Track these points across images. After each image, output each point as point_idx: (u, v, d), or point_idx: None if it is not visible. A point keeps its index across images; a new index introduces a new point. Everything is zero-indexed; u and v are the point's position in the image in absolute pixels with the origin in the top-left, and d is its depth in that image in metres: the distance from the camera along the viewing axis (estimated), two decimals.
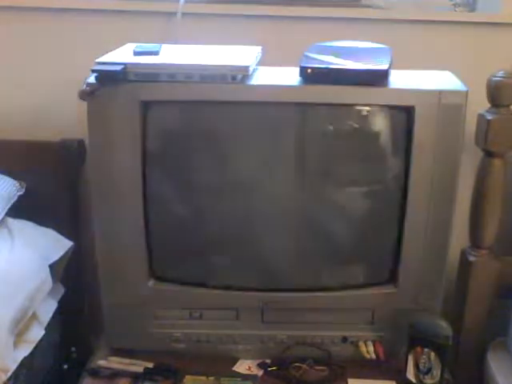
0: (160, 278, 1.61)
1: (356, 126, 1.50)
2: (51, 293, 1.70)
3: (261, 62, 1.58)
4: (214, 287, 1.61)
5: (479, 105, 1.67)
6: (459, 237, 1.74)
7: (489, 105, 1.70)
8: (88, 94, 1.42)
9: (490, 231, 1.77)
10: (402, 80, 1.50)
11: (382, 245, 1.59)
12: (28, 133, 1.88)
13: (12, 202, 1.76)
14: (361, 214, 1.57)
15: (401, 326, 1.58)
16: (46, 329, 1.64)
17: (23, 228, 1.76)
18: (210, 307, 1.63)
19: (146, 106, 1.47)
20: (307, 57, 1.50)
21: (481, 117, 1.71)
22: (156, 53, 1.52)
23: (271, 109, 1.48)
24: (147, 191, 1.52)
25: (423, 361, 1.53)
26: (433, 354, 1.52)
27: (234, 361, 1.65)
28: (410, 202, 1.51)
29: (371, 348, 1.63)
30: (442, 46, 1.85)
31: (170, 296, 1.62)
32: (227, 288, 1.60)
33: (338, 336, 1.64)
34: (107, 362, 1.63)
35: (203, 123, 1.51)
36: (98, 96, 1.43)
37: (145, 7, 1.84)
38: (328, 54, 1.51)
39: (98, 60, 1.45)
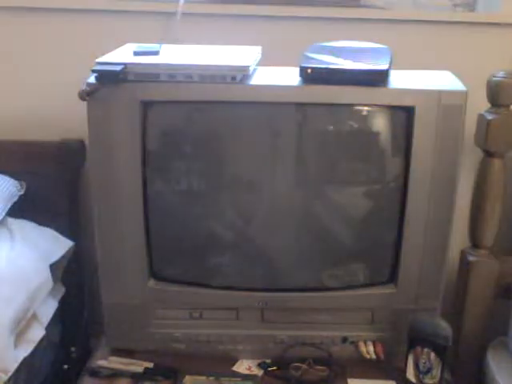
0: (160, 278, 1.61)
1: (356, 126, 1.50)
2: (51, 293, 1.70)
3: (261, 62, 1.58)
4: (214, 287, 1.61)
5: (479, 105, 1.67)
6: (459, 237, 1.74)
7: (489, 105, 1.70)
8: (88, 94, 1.42)
9: (490, 231, 1.77)
10: (402, 80, 1.50)
11: (382, 245, 1.59)
12: (28, 133, 1.88)
13: (12, 201, 1.76)
14: (361, 214, 1.57)
15: (401, 326, 1.58)
16: (46, 329, 1.64)
17: (23, 228, 1.76)
18: (210, 307, 1.63)
19: (146, 105, 1.47)
20: (307, 57, 1.50)
21: (481, 117, 1.71)
22: (156, 53, 1.52)
23: (271, 109, 1.48)
24: (147, 191, 1.53)
25: (423, 361, 1.53)
26: (433, 354, 1.52)
27: (234, 361, 1.65)
28: (410, 202, 1.51)
29: (371, 348, 1.63)
30: (442, 46, 1.85)
31: (170, 296, 1.62)
32: (227, 288, 1.60)
33: (337, 336, 1.64)
34: (107, 361, 1.63)
35: (203, 123, 1.51)
36: (98, 96, 1.43)
37: (145, 7, 1.84)
38: (328, 54, 1.51)
39: (98, 60, 1.45)
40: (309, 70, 1.45)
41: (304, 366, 1.60)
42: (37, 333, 1.60)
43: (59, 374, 1.81)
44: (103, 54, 1.49)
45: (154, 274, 1.60)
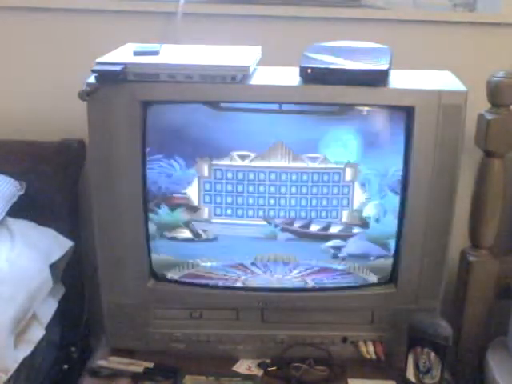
0: (160, 278, 1.61)
1: (356, 125, 1.50)
2: (51, 293, 1.70)
3: (261, 62, 1.58)
4: (214, 287, 1.61)
5: (479, 105, 1.67)
6: (459, 237, 1.74)
7: (489, 105, 1.70)
8: (88, 94, 1.42)
9: (490, 231, 1.77)
10: (401, 80, 1.50)
11: (381, 245, 1.59)
12: (28, 133, 1.88)
13: (12, 201, 1.76)
14: (360, 214, 1.57)
15: (401, 325, 1.58)
16: (46, 329, 1.64)
17: (23, 228, 1.75)
18: (210, 307, 1.63)
19: (146, 105, 1.47)
20: (307, 57, 1.50)
21: (481, 117, 1.71)
22: (156, 53, 1.51)
23: (271, 109, 1.48)
24: (147, 191, 1.52)
25: (423, 361, 1.53)
26: (433, 354, 1.52)
27: (234, 361, 1.65)
28: (410, 202, 1.51)
29: (371, 348, 1.64)
30: (442, 46, 1.85)
31: (169, 296, 1.62)
32: (227, 288, 1.60)
33: (337, 336, 1.64)
34: (107, 361, 1.63)
35: (203, 123, 1.51)
36: (97, 96, 1.43)
37: (145, 7, 1.84)
38: (328, 53, 1.51)
39: (98, 60, 1.45)
40: (309, 70, 1.45)
41: (304, 366, 1.60)
42: (37, 333, 1.60)
43: (59, 374, 1.81)
44: (103, 54, 1.49)
45: (154, 274, 1.60)
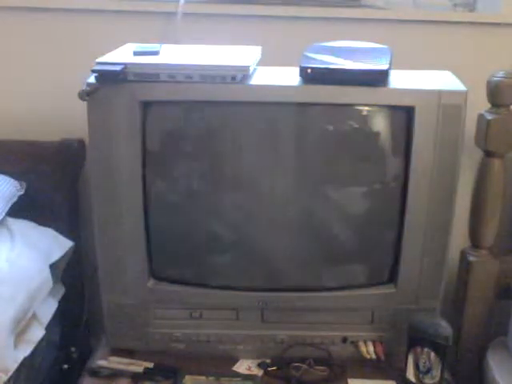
0: (160, 278, 1.61)
1: (356, 126, 1.50)
2: (51, 293, 1.70)
3: (261, 62, 1.58)
4: (214, 287, 1.61)
5: (479, 105, 1.67)
6: (459, 237, 1.74)
7: (489, 105, 1.70)
8: (88, 94, 1.42)
9: (490, 231, 1.77)
10: (401, 80, 1.50)
11: (381, 245, 1.59)
12: (28, 133, 1.88)
13: (12, 201, 1.76)
14: (361, 214, 1.57)
15: (401, 325, 1.58)
16: (46, 329, 1.64)
17: (23, 228, 1.75)
18: (210, 307, 1.63)
19: (146, 106, 1.47)
20: (307, 57, 1.50)
21: (481, 117, 1.71)
22: (156, 53, 1.52)
23: (271, 109, 1.48)
24: (147, 191, 1.53)
25: (423, 361, 1.53)
26: (433, 354, 1.52)
27: (234, 361, 1.65)
28: (410, 202, 1.51)
29: (371, 348, 1.63)
30: (442, 46, 1.85)
31: (169, 296, 1.62)
32: (227, 288, 1.60)
33: (337, 336, 1.64)
34: (107, 361, 1.63)
35: (203, 123, 1.51)
36: (97, 96, 1.43)
37: (145, 7, 1.84)
38: (328, 53, 1.51)
39: (98, 60, 1.45)
40: (309, 70, 1.45)
41: (304, 366, 1.60)
42: (37, 333, 1.60)
43: (59, 374, 1.81)
44: (103, 54, 1.49)
45: (154, 274, 1.60)
